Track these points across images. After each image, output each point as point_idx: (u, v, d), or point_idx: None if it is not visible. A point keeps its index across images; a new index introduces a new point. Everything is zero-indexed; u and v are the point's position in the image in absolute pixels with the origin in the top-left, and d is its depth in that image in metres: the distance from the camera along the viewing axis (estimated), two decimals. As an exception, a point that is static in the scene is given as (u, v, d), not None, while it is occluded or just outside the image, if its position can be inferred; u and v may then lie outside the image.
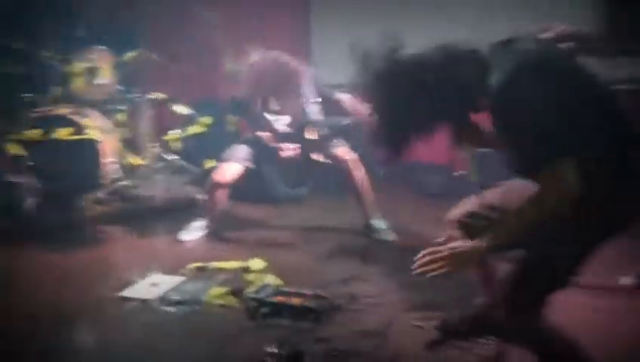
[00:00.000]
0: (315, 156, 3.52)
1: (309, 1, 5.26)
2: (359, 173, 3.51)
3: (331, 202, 4.24)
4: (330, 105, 3.61)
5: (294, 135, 3.55)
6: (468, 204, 2.07)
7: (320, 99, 3.56)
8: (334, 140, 3.58)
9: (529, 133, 1.52)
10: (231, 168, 3.52)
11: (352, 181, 3.51)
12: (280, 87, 3.55)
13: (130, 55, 4.56)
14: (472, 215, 2.00)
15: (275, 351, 2.17)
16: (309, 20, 5.27)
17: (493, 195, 1.99)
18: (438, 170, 4.50)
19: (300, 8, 5.28)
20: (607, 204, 1.56)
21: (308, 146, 3.53)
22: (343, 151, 3.55)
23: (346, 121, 3.82)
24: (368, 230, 3.50)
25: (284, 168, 3.95)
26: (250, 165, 3.56)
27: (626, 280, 2.71)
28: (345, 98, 3.53)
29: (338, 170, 3.58)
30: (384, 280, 2.88)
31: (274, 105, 3.61)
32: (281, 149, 3.51)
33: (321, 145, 3.53)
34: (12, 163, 3.99)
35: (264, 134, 3.54)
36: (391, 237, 3.45)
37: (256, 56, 3.66)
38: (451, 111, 1.65)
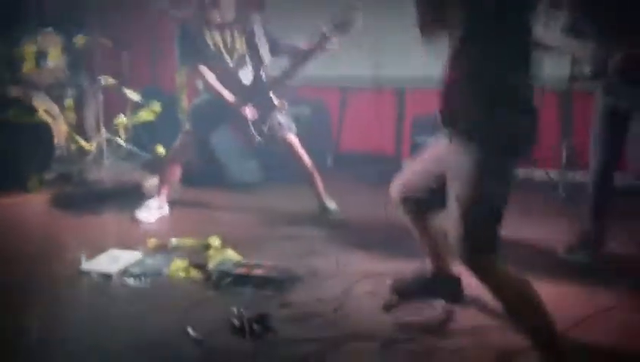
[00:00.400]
0: (274, 100, 3.55)
1: None
2: (307, 158, 3.64)
3: (281, 189, 4.35)
4: (280, 51, 3.65)
5: (254, 86, 3.58)
6: (403, 177, 2.28)
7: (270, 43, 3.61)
8: (287, 123, 3.68)
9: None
10: (184, 141, 3.66)
11: (301, 164, 3.63)
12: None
13: (80, 39, 4.53)
14: (408, 187, 2.24)
15: (241, 312, 2.29)
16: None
17: (421, 160, 2.25)
18: (385, 160, 4.75)
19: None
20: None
21: (265, 89, 3.56)
22: (291, 136, 3.66)
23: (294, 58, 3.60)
24: (322, 211, 3.65)
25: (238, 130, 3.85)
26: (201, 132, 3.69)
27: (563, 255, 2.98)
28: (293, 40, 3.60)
29: (290, 154, 3.69)
30: (340, 254, 3.03)
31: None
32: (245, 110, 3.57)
33: (274, 86, 3.58)
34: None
35: (230, 96, 3.56)
36: (342, 217, 3.61)
37: None
38: None
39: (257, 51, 3.54)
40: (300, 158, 3.63)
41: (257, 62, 3.56)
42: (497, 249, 1.90)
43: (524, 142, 1.93)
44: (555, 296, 2.45)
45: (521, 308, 1.91)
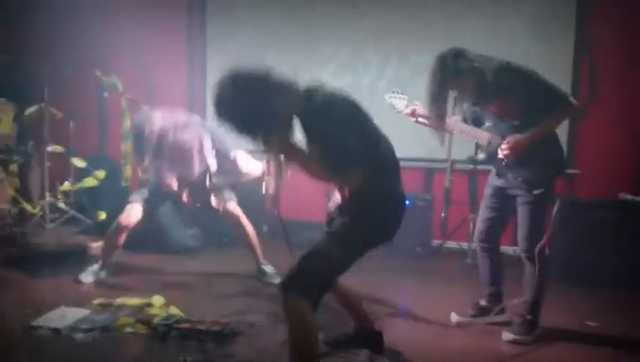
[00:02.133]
0: (212, 202, 3.96)
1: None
2: (249, 225, 4.02)
3: (220, 253, 4.68)
4: (225, 160, 4.05)
5: (196, 183, 3.98)
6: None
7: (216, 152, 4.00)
8: (227, 194, 4.05)
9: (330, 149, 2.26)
10: (134, 210, 3.88)
11: (244, 231, 3.99)
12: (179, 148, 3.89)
13: (31, 109, 4.79)
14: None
15: (187, 360, 2.57)
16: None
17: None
18: (316, 227, 5.16)
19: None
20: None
21: (205, 193, 3.97)
22: (233, 206, 4.04)
23: (236, 178, 4.15)
24: (259, 274, 3.98)
25: (182, 210, 4.25)
26: (150, 206, 3.94)
27: (455, 317, 3.34)
28: (239, 156, 4.01)
29: (230, 222, 4.05)
30: (275, 312, 3.35)
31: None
32: (184, 196, 3.97)
33: (216, 192, 3.99)
34: None
35: (172, 183, 3.94)
36: (278, 279, 3.95)
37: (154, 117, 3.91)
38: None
39: (205, 159, 3.96)
40: (242, 226, 3.99)
41: (204, 168, 3.96)
42: (310, 297, 2.25)
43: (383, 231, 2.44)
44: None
45: (298, 347, 2.26)
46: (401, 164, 5.25)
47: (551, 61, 4.69)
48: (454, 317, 3.34)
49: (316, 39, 5.45)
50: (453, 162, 4.74)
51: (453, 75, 2.93)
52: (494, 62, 2.98)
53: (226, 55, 5.63)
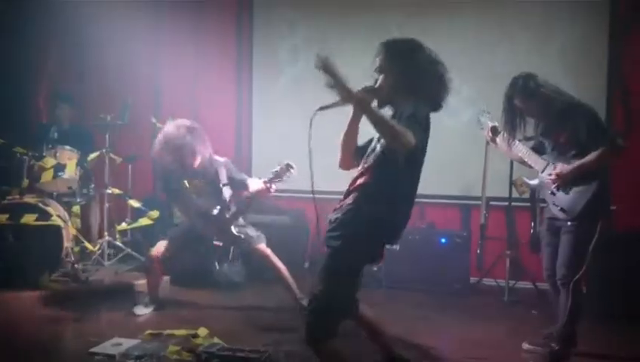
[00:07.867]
0: (233, 230, 4.15)
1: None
2: (279, 263, 4.21)
3: (262, 288, 4.90)
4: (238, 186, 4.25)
5: (218, 216, 4.17)
6: None
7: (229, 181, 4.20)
8: (256, 235, 4.26)
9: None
10: (162, 245, 4.21)
11: (276, 270, 4.20)
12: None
13: (93, 155, 5.24)
14: None
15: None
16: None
17: None
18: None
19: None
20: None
21: (226, 223, 4.16)
22: (263, 246, 4.24)
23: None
24: (298, 307, 4.17)
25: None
26: (179, 241, 4.24)
27: (525, 346, 3.49)
28: (250, 182, 4.16)
29: (261, 261, 4.27)
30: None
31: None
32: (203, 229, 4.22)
33: (235, 221, 4.18)
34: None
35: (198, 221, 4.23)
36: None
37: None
38: None
39: (220, 191, 4.18)
40: (273, 264, 4.20)
41: (221, 200, 4.18)
42: (333, 333, 2.48)
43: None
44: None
45: None
46: (439, 201, 5.45)
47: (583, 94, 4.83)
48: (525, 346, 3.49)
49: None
50: (489, 199, 4.85)
51: (519, 91, 3.27)
52: (564, 95, 3.28)
53: (270, 97, 6.02)
